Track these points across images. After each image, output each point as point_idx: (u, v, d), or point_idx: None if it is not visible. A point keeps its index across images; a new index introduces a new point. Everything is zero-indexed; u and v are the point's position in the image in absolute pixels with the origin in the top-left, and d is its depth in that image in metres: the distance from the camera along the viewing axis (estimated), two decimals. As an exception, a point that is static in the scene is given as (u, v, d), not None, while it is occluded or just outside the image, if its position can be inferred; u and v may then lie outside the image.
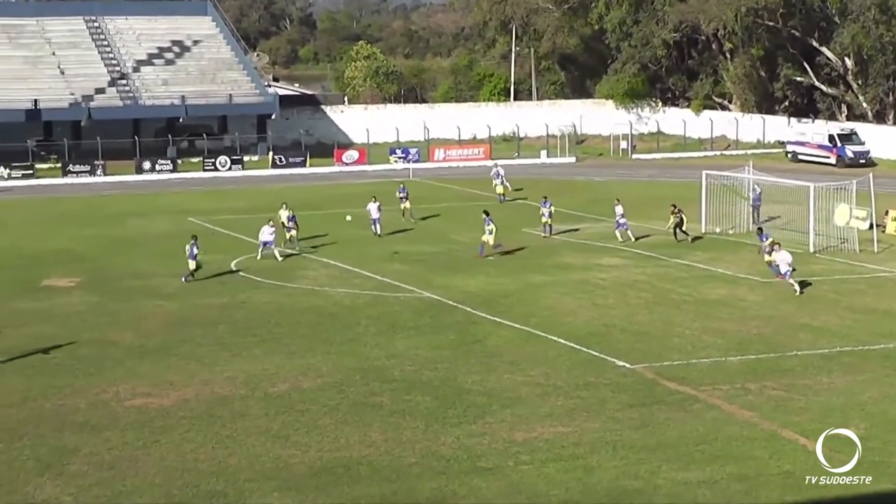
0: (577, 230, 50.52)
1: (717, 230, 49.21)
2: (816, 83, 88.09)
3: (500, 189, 60.60)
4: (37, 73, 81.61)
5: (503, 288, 38.84)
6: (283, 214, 47.20)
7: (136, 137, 78.11)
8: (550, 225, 49.17)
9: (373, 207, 49.52)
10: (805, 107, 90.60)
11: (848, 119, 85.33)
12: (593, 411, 25.63)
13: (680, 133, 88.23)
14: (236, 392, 27.28)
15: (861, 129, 79.26)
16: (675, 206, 47.37)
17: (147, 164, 75.78)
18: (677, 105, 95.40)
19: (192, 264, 39.74)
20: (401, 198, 53.89)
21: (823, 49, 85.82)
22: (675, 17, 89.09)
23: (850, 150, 75.80)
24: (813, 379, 28.03)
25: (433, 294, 37.71)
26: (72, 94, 79.60)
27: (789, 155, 79.12)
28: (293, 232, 46.12)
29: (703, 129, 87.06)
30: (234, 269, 42.37)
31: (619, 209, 47.71)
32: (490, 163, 72.35)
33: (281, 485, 21.52)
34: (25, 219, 57.03)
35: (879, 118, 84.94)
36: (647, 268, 42.35)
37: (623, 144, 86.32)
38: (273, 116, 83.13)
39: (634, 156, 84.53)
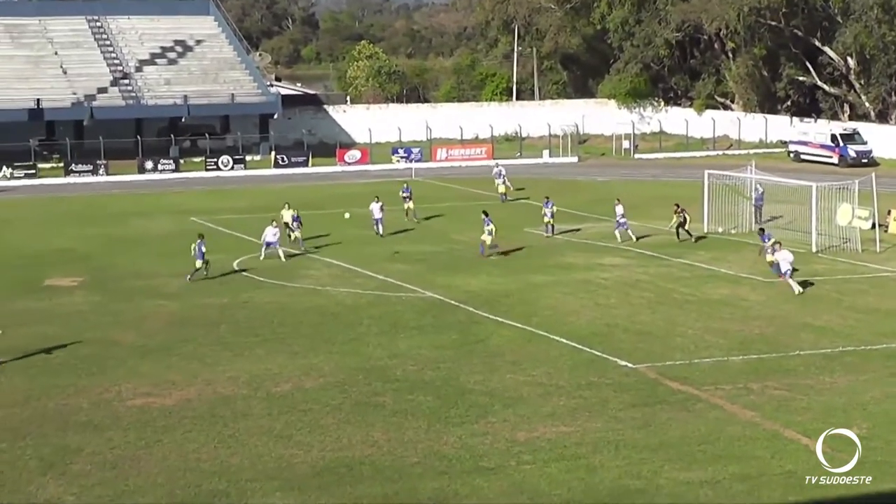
0: (579, 230, 50.53)
1: (720, 230, 49.20)
2: (819, 83, 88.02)
3: (501, 189, 60.66)
4: (39, 72, 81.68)
5: (505, 287, 38.82)
6: (286, 214, 47.24)
7: (138, 137, 78.19)
8: (553, 225, 49.18)
9: (375, 207, 49.47)
10: (807, 106, 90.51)
11: (850, 119, 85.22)
12: (595, 411, 25.61)
13: (682, 133, 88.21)
14: (238, 392, 27.28)
15: (863, 128, 79.23)
16: (678, 206, 47.36)
17: (149, 164, 75.82)
18: (679, 105, 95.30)
19: (198, 263, 39.75)
20: (404, 197, 53.90)
21: (826, 49, 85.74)
22: (678, 16, 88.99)
23: (852, 150, 75.79)
24: (815, 379, 28.01)
25: (435, 294, 37.71)
26: (74, 94, 79.66)
27: (792, 155, 79.13)
28: (297, 232, 46.15)
29: (706, 129, 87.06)
30: (237, 268, 42.40)
31: (619, 209, 47.70)
32: (492, 162, 72.32)
33: (283, 484, 21.52)
34: (28, 218, 57.03)
35: (882, 118, 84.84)
36: (649, 267, 42.34)
37: (625, 144, 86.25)
38: (275, 116, 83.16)
39: (637, 155, 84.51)
